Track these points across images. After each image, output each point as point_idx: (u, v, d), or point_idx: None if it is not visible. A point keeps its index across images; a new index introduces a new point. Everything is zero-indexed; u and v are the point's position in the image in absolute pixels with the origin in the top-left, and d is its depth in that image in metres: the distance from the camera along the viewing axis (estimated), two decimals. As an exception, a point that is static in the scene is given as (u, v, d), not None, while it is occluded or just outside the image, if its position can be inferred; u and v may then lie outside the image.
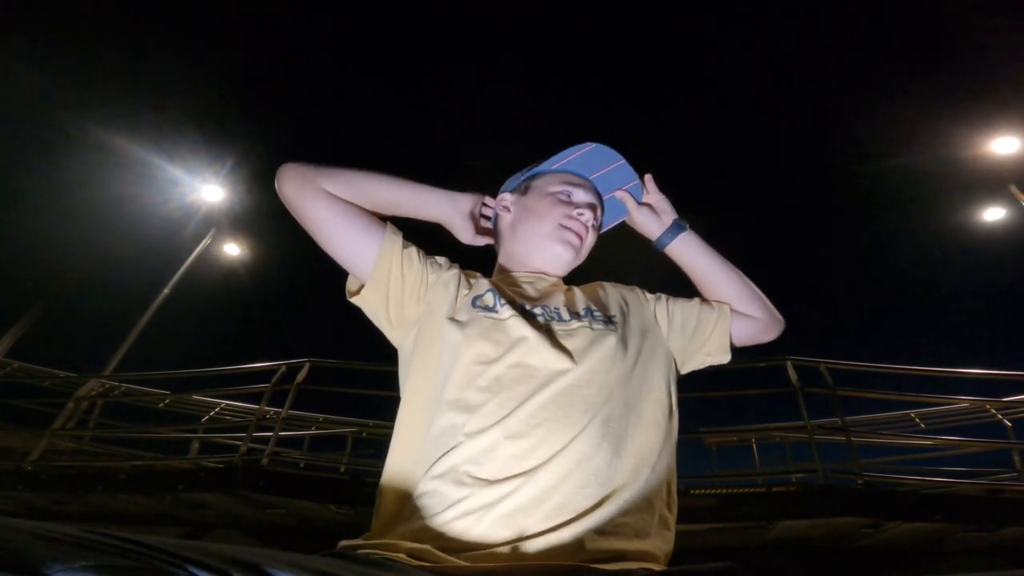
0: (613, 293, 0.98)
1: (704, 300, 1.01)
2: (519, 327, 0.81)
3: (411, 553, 0.61)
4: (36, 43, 9.98)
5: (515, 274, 0.99)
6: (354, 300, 0.90)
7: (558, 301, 0.90)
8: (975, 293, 15.16)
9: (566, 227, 0.97)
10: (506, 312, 0.84)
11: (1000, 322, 16.22)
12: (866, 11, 13.49)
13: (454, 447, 0.70)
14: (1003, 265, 12.08)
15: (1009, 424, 4.60)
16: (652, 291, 1.02)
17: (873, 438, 4.55)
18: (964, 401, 4.88)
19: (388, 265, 0.87)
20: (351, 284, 0.91)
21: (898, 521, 3.43)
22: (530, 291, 0.95)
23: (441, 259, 0.95)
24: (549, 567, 0.60)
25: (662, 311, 0.96)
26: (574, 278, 1.05)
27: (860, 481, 3.56)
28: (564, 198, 1.00)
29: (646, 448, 0.74)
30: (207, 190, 8.94)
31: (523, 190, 1.05)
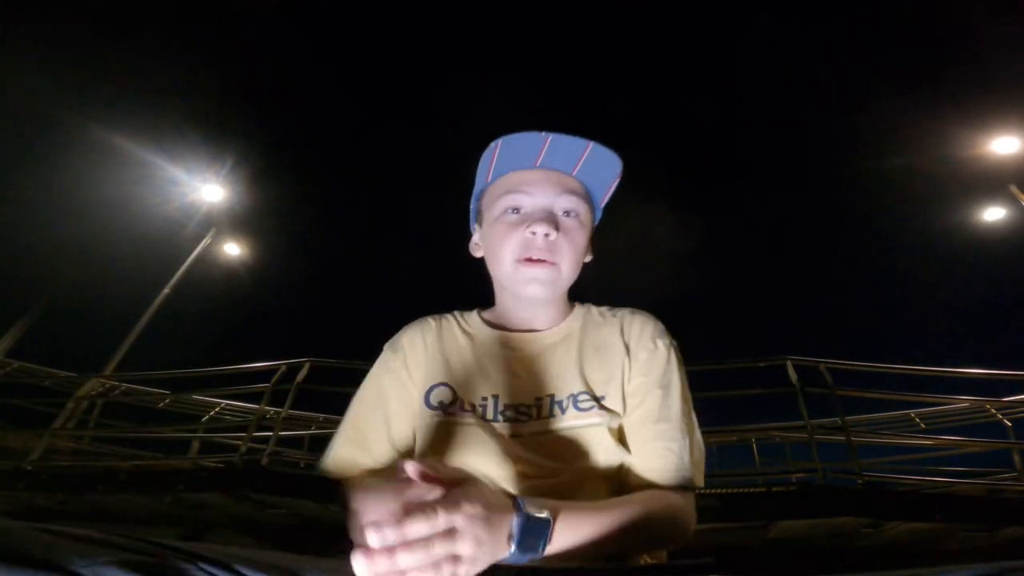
0: (614, 348, 0.81)
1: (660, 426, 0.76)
2: (481, 436, 0.72)
3: None
4: (37, 43, 9.98)
5: (501, 336, 0.85)
6: None
7: (539, 387, 0.77)
8: (975, 293, 15.18)
9: (524, 260, 0.78)
10: (467, 417, 0.74)
11: (1000, 322, 16.22)
12: (867, 12, 13.49)
13: None
14: (1003, 265, 12.09)
15: (1009, 424, 4.60)
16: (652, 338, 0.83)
17: (873, 438, 4.53)
18: (964, 401, 4.87)
19: None
20: None
21: (898, 521, 3.42)
22: (509, 370, 0.80)
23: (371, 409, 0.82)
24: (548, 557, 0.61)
25: (636, 393, 0.78)
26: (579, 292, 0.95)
27: (860, 481, 3.57)
28: (512, 217, 0.80)
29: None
30: (207, 190, 8.97)
31: (480, 220, 0.88)
